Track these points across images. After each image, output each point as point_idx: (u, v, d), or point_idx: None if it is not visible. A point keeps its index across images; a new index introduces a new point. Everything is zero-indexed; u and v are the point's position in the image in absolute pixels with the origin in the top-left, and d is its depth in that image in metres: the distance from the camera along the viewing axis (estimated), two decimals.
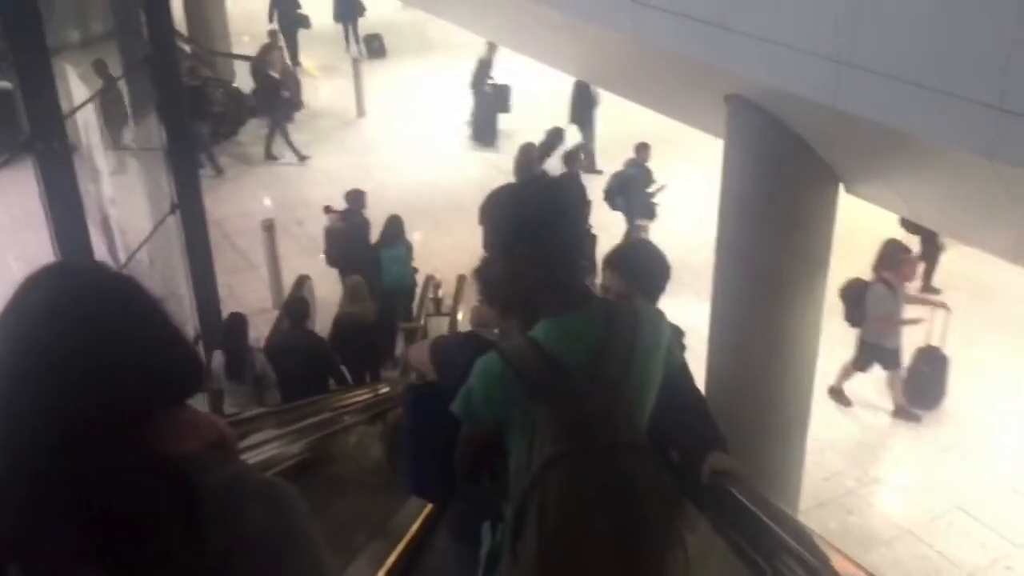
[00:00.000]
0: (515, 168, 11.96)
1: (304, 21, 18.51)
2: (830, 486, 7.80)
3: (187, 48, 16.38)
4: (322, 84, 17.59)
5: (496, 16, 8.51)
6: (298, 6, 18.50)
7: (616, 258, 3.08)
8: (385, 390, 7.51)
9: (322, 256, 11.32)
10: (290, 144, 14.86)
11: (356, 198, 10.45)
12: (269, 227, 10.92)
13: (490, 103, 15.27)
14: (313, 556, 1.30)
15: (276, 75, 14.86)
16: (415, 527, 5.20)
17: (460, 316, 9.25)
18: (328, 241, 10.40)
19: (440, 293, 10.25)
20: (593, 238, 11.13)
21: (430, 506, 5.23)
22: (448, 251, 11.67)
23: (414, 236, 10.70)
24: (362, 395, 7.30)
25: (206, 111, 14.17)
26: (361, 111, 16.59)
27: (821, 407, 6.89)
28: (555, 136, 12.78)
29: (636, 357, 2.07)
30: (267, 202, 13.51)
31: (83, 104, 7.80)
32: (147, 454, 1.21)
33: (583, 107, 13.71)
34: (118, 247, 10.07)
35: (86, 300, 1.24)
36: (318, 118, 16.12)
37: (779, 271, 5.93)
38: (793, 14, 4.17)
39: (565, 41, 7.41)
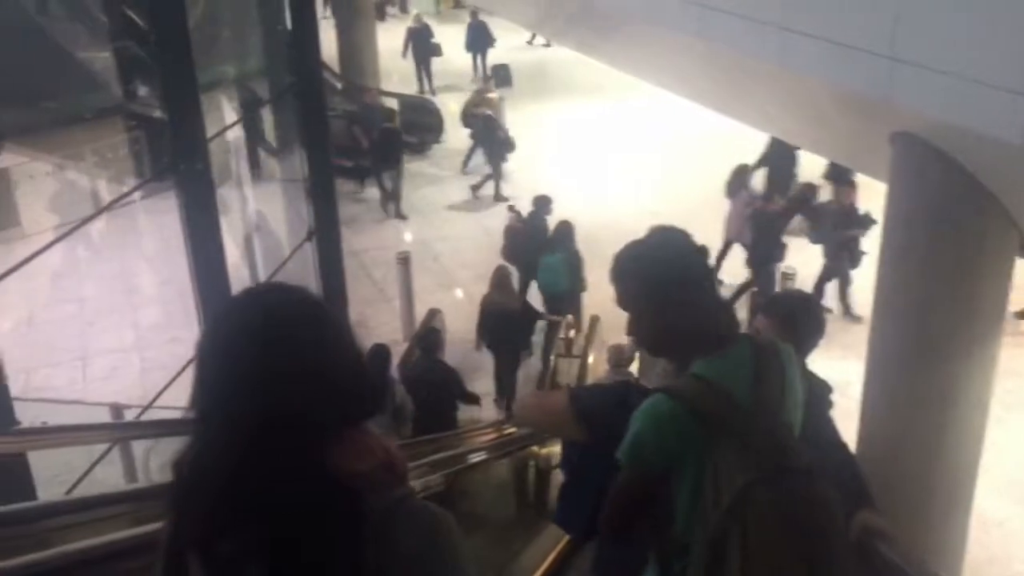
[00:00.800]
0: (727, 188, 11.55)
1: (436, 49, 19.66)
2: (996, 570, 7.03)
3: (338, 84, 16.88)
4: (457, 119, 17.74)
5: (646, 53, 8.27)
6: (431, 35, 19.65)
7: (771, 304, 3.12)
8: (511, 431, 7.35)
9: (457, 291, 11.32)
10: (497, 183, 14.84)
11: (542, 203, 11.17)
12: (404, 260, 10.96)
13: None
14: None
15: (491, 113, 14.94)
16: (541, 571, 5.06)
17: (591, 359, 8.97)
18: (506, 238, 11.17)
19: (572, 334, 9.97)
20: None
21: (558, 548, 5.11)
22: None
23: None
24: (492, 434, 7.17)
25: (397, 156, 14.27)
26: None
27: (987, 481, 6.21)
28: (806, 192, 12.01)
29: (787, 386, 2.12)
30: (407, 237, 13.63)
31: (224, 130, 8.03)
32: (324, 470, 1.31)
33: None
34: (259, 271, 10.34)
35: (283, 322, 1.35)
36: (457, 155, 16.24)
37: (945, 329, 5.36)
38: (978, 44, 3.73)
39: (714, 77, 7.09)
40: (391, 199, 14.39)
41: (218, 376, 1.33)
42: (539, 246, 10.65)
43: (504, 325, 9.49)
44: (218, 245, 5.77)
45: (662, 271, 2.10)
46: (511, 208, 11.59)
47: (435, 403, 7.91)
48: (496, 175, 14.87)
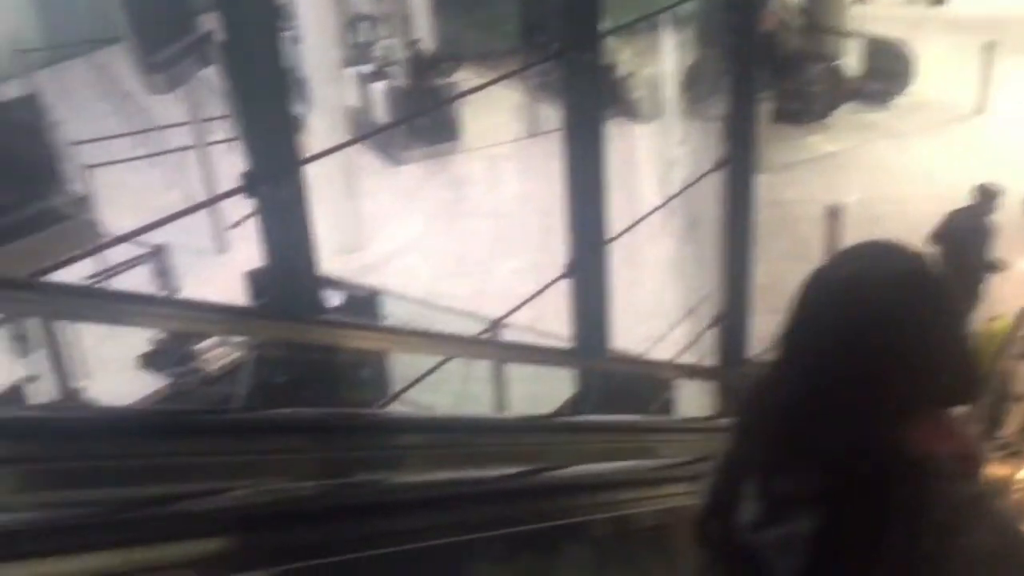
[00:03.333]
0: None
1: None
2: None
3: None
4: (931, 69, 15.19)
5: None
6: None
7: None
8: None
9: None
10: None
11: None
12: (834, 214, 9.54)
13: None
14: None
15: None
16: None
17: None
18: None
19: None
20: None
21: None
22: None
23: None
24: None
25: None
26: (980, 107, 14.04)
27: None
28: None
29: None
30: (851, 196, 12.02)
31: (626, 25, 7.85)
32: (893, 443, 1.27)
33: None
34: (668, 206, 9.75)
35: (888, 284, 1.31)
36: (922, 108, 13.99)
37: None
38: None
39: None
40: None
41: (804, 322, 1.36)
42: None
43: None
44: (597, 145, 5.20)
45: None
46: None
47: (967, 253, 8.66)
48: None
